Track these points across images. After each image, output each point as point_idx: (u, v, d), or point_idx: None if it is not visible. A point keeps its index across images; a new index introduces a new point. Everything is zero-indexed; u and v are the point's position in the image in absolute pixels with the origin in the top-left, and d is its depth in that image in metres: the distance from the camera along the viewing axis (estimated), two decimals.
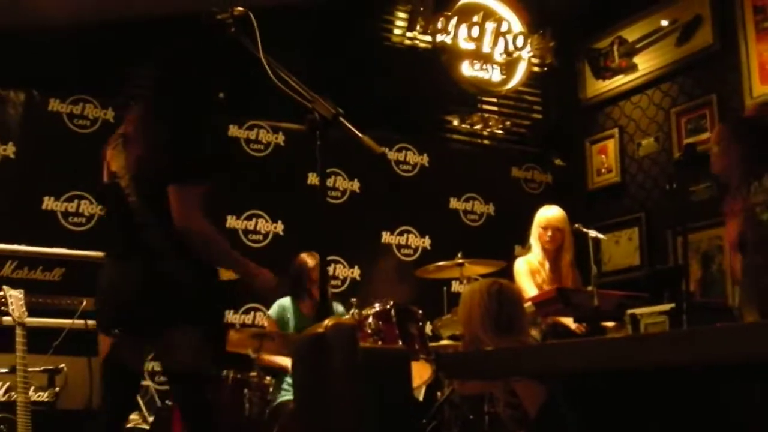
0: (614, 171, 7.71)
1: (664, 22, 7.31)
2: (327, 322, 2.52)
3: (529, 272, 5.58)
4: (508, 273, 5.64)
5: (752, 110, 3.89)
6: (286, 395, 5.06)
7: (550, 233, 5.58)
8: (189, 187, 3.13)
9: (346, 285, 6.91)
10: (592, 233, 5.60)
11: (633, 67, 7.61)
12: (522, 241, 6.14)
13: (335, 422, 2.43)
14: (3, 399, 4.53)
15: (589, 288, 5.04)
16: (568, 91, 8.18)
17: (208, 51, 3.37)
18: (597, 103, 7.96)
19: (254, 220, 6.78)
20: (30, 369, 4.39)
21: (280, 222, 6.85)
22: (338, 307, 5.49)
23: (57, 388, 4.60)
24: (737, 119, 5.58)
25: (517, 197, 7.77)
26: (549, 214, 5.64)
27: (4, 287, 4.47)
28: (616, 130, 7.73)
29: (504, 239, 7.17)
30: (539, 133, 8.12)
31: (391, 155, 7.41)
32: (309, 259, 5.47)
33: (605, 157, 7.81)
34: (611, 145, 7.77)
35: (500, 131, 7.95)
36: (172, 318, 3.15)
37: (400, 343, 4.61)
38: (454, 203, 7.61)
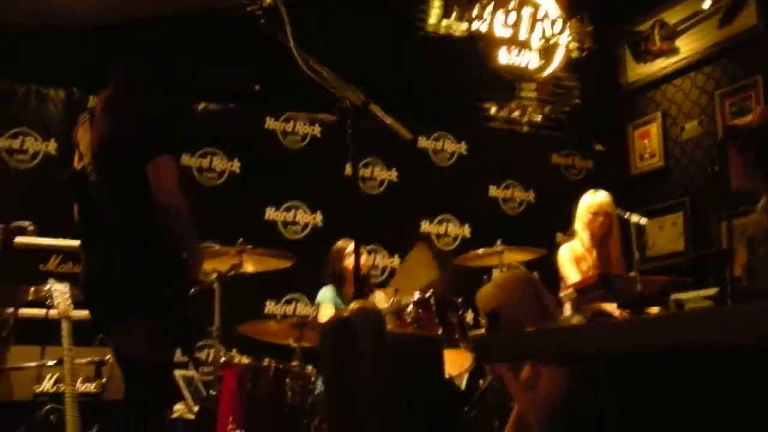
0: (657, 156, 7.69)
1: (706, 4, 7.26)
2: (353, 305, 2.55)
3: (573, 259, 5.57)
4: (548, 260, 5.67)
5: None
6: None
7: (601, 218, 5.55)
8: (170, 159, 3.23)
9: (386, 274, 6.99)
10: (635, 218, 5.59)
11: (674, 50, 7.58)
12: (563, 227, 6.16)
13: (363, 408, 2.47)
14: (51, 390, 4.67)
15: (632, 274, 5.04)
16: (607, 76, 8.15)
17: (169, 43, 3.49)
18: (638, 87, 7.94)
19: (293, 211, 6.88)
20: (76, 361, 4.52)
21: (318, 213, 6.94)
22: (380, 295, 5.58)
23: (103, 379, 4.73)
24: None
25: (558, 184, 7.77)
26: (598, 199, 5.61)
27: (50, 281, 4.60)
28: (658, 114, 7.70)
29: (544, 226, 7.18)
30: (579, 118, 8.11)
31: (429, 144, 7.46)
32: (345, 245, 5.57)
33: (648, 142, 7.79)
34: (654, 129, 7.74)
35: (539, 118, 7.95)
36: (127, 305, 3.22)
37: (440, 331, 4.67)
38: (493, 191, 7.64)
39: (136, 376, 3.30)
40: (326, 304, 5.62)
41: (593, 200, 5.60)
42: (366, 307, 2.59)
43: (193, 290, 3.45)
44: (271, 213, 6.79)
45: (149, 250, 3.19)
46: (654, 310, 5.42)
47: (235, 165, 6.75)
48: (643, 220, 5.68)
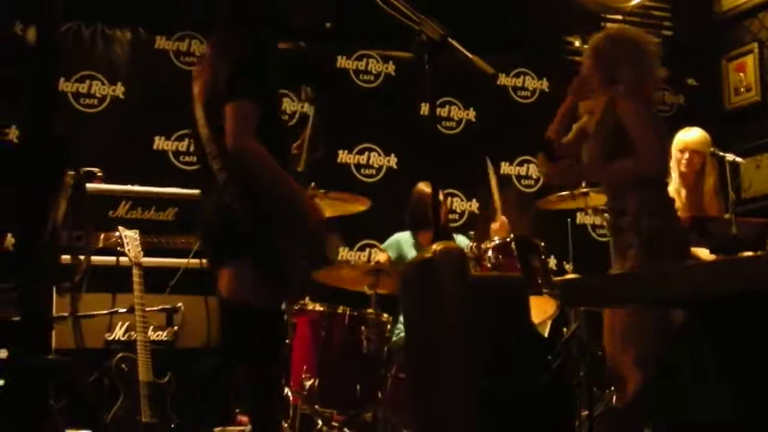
0: (754, 89, 7.42)
1: None
2: (435, 246, 2.51)
3: None
4: None
5: None
6: None
7: (687, 156, 5.40)
8: (242, 104, 3.17)
9: (464, 218, 6.94)
10: (729, 157, 5.42)
11: None
12: None
13: (444, 353, 2.45)
14: (123, 338, 4.77)
15: (727, 216, 4.90)
16: (700, 5, 7.88)
17: None
18: (733, 16, 7.65)
19: (366, 154, 6.85)
20: (148, 309, 4.60)
21: (393, 155, 6.90)
22: (461, 239, 5.54)
23: (175, 327, 4.80)
24: None
25: None
26: (687, 137, 5.45)
27: (120, 228, 4.67)
28: (755, 45, 7.42)
29: None
30: (669, 51, 7.86)
31: (508, 81, 7.34)
32: (428, 189, 5.52)
33: (744, 75, 7.53)
34: (750, 61, 7.47)
35: None
36: (227, 250, 3.26)
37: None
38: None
39: (240, 326, 3.34)
40: (384, 253, 5.61)
41: (681, 138, 5.44)
42: (449, 247, 2.54)
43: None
44: (343, 156, 6.77)
45: (253, 200, 3.20)
46: (750, 254, 5.30)
47: (306, 106, 6.71)
48: (739, 159, 5.51)
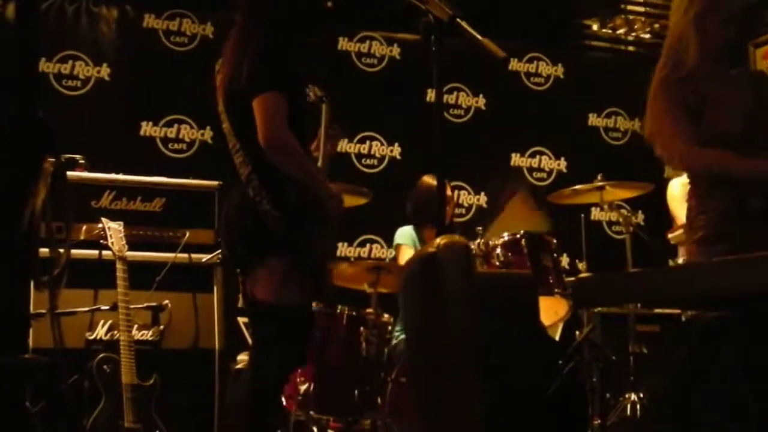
0: None
1: None
2: (439, 240, 2.50)
3: (686, 197, 5.44)
4: (656, 197, 5.55)
5: None
6: None
7: None
8: (270, 95, 3.21)
9: (471, 213, 6.94)
10: None
11: None
12: None
13: (449, 356, 2.44)
14: (106, 338, 4.75)
15: None
16: None
17: None
18: (760, 0, 7.63)
19: (368, 142, 6.85)
20: (132, 306, 4.59)
21: (396, 144, 6.90)
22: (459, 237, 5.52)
23: (161, 326, 4.79)
24: None
25: None
26: None
27: (103, 219, 4.66)
28: None
29: (652, 159, 7.01)
30: None
31: (521, 66, 7.33)
32: (434, 182, 5.49)
33: None
34: None
35: (647, 35, 7.73)
36: (258, 249, 3.30)
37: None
38: (593, 120, 7.50)
39: (271, 327, 3.36)
40: (407, 247, 5.59)
41: None
42: (454, 241, 2.53)
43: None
44: (343, 145, 6.76)
45: (279, 192, 3.24)
46: None
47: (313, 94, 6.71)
48: None
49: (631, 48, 7.75)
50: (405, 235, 5.55)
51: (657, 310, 5.43)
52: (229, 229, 3.46)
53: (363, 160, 6.82)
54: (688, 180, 5.48)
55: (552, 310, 4.78)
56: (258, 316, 3.50)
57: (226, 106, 3.40)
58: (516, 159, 7.23)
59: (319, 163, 3.64)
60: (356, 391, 4.60)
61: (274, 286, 3.30)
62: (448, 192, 5.31)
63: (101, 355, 4.53)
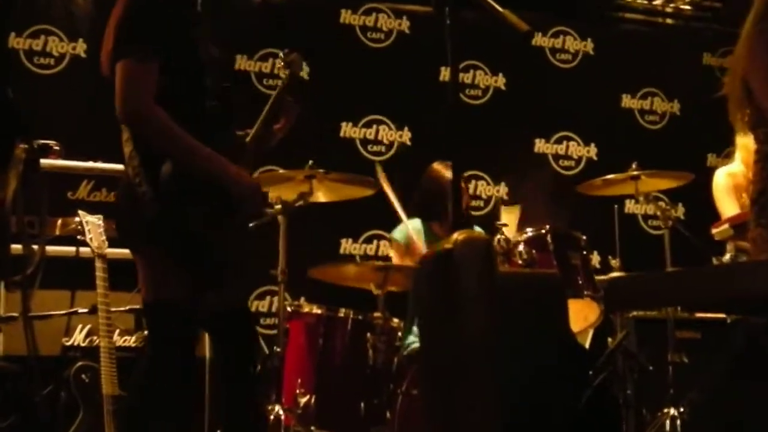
0: None
1: None
2: (456, 236, 2.49)
3: (733, 188, 5.44)
4: (697, 189, 5.54)
5: None
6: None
7: None
8: (132, 63, 3.18)
9: (490, 206, 6.94)
10: None
11: None
12: (717, 148, 6.01)
13: (466, 365, 2.43)
14: (84, 344, 4.76)
15: None
16: None
17: None
18: None
19: (374, 127, 6.86)
20: (113, 309, 4.59)
21: (406, 129, 6.90)
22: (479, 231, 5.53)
23: (145, 331, 4.79)
24: None
25: (710, 92, 7.54)
26: None
27: (80, 213, 4.66)
28: None
29: (692, 145, 7.03)
30: (739, 7, 7.84)
31: (546, 41, 7.34)
32: (445, 171, 5.49)
33: None
34: None
35: (688, 7, 7.72)
36: (134, 237, 3.31)
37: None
38: (627, 101, 7.50)
39: (155, 331, 3.37)
40: (397, 244, 5.58)
41: None
42: (473, 236, 2.52)
43: (251, 224, 3.45)
44: (347, 129, 6.77)
45: (157, 173, 3.21)
46: None
47: (303, 70, 6.72)
48: None
49: (669, 20, 7.75)
50: (402, 229, 5.54)
51: (699, 315, 5.42)
52: (116, 215, 3.48)
53: (369, 147, 6.82)
54: (735, 170, 5.50)
55: (581, 315, 4.78)
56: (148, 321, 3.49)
57: (108, 77, 3.35)
58: (540, 145, 7.24)
59: (248, 138, 3.58)
60: (362, 405, 4.61)
61: (148, 281, 3.29)
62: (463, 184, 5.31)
63: (79, 363, 4.55)
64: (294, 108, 3.79)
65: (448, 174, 5.44)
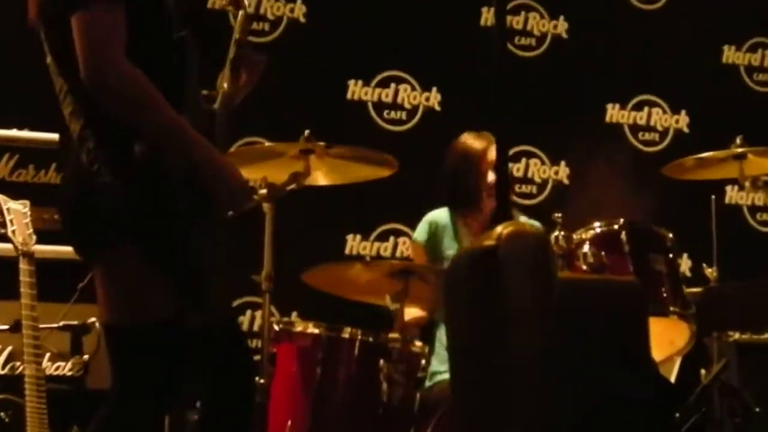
0: None
1: None
2: (500, 229, 2.48)
3: None
4: None
5: None
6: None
7: None
8: (98, 11, 3.15)
9: (545, 192, 6.94)
10: None
11: None
12: None
13: (512, 394, 2.44)
14: (4, 371, 4.78)
15: None
16: None
17: None
18: None
19: (393, 86, 6.87)
20: (43, 325, 4.60)
21: (434, 90, 6.91)
22: (531, 224, 5.52)
23: (85, 356, 4.81)
24: None
25: None
26: None
27: (1, 197, 4.67)
28: None
29: None
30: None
31: None
32: (477, 143, 5.47)
33: None
34: None
35: None
36: (94, 240, 3.28)
37: None
38: (729, 54, 7.51)
39: (124, 347, 3.34)
40: (417, 246, 5.59)
41: None
42: (523, 230, 2.52)
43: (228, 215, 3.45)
44: (356, 89, 6.78)
45: (124, 157, 3.21)
46: None
47: (298, 10, 6.73)
48: None
49: None
50: (424, 226, 5.54)
51: None
52: (61, 211, 3.45)
53: (385, 113, 6.83)
54: None
55: (666, 338, 4.78)
56: (113, 336, 3.41)
57: (45, 32, 3.36)
58: (613, 113, 7.24)
59: (216, 103, 3.57)
60: None
61: (114, 297, 3.27)
62: (490, 156, 5.28)
63: None
64: (257, 57, 3.77)
65: (480, 146, 5.43)
